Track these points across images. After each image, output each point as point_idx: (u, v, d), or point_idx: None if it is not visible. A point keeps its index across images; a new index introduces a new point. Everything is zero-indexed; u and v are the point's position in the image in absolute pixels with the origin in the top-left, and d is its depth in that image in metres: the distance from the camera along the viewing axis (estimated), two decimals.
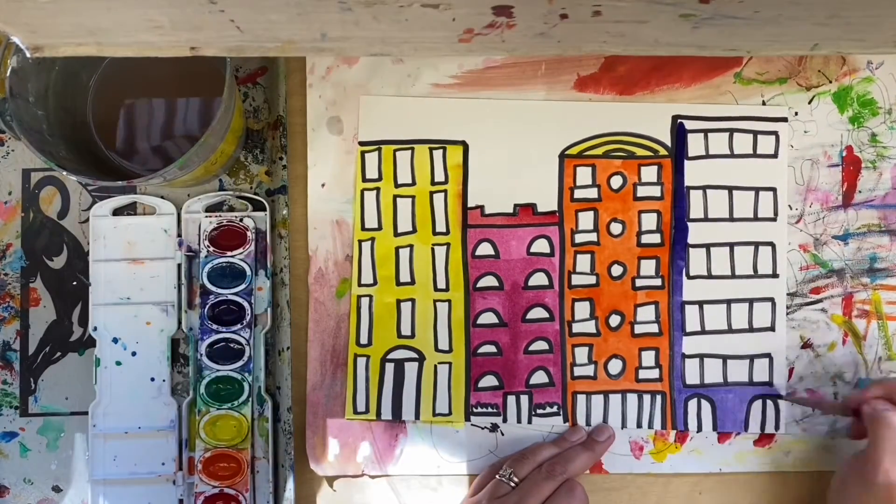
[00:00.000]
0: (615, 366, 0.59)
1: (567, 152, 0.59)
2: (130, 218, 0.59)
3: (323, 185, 0.60)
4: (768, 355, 0.59)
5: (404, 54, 0.40)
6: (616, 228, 0.59)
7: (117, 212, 0.59)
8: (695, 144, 0.59)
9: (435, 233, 0.59)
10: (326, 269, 0.60)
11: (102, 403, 0.58)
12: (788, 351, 0.59)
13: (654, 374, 0.59)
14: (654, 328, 0.59)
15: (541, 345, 0.59)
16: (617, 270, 0.59)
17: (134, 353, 0.58)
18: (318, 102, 0.60)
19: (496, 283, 0.59)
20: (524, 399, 0.59)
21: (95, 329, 0.58)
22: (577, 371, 0.59)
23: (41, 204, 0.60)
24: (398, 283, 0.59)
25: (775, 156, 0.59)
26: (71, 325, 0.59)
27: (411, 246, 0.59)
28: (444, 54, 0.40)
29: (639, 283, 0.59)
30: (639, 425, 0.59)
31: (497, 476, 0.55)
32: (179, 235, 0.59)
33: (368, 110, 0.60)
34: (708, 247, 0.59)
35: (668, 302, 0.59)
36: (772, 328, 0.59)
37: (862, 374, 0.59)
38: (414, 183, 0.60)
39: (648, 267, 0.59)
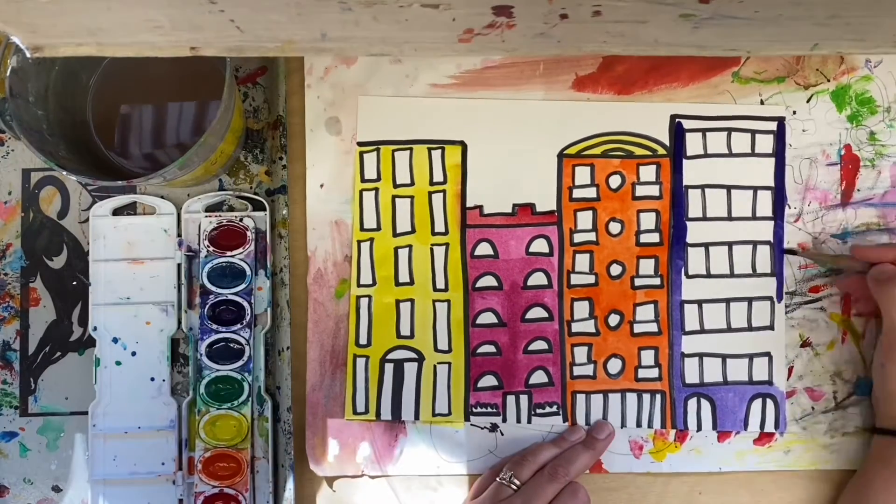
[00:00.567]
0: (614, 365, 0.59)
1: (565, 152, 0.60)
2: (130, 218, 0.59)
3: (321, 186, 0.60)
4: (768, 354, 0.59)
5: (404, 54, 0.40)
6: (615, 228, 0.59)
7: (117, 212, 0.59)
8: (693, 144, 0.59)
9: (434, 233, 0.60)
10: (325, 269, 0.60)
11: (102, 403, 0.58)
12: (788, 349, 0.59)
13: (654, 373, 0.59)
14: (653, 327, 0.59)
15: (540, 344, 0.59)
16: (616, 270, 0.59)
17: (134, 353, 0.58)
18: (317, 103, 0.60)
19: (495, 283, 0.59)
20: (524, 399, 0.59)
21: (95, 329, 0.58)
22: (577, 371, 0.59)
23: (41, 204, 0.60)
24: (397, 284, 0.59)
25: (773, 155, 0.59)
26: (71, 325, 0.59)
27: (410, 246, 0.60)
28: (445, 54, 0.40)
29: (638, 282, 0.59)
30: (638, 425, 0.59)
31: (498, 479, 0.55)
32: (179, 235, 0.59)
33: (367, 110, 0.60)
34: (707, 246, 0.59)
35: (667, 301, 0.59)
36: (771, 327, 0.59)
37: (861, 372, 0.59)
38: (412, 183, 0.60)
39: (647, 266, 0.59)
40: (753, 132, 0.59)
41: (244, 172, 0.60)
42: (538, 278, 0.59)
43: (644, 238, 0.59)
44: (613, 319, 0.59)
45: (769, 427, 0.58)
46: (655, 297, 0.59)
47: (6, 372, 0.59)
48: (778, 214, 0.59)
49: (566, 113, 0.60)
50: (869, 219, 0.59)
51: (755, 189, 0.59)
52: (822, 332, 0.59)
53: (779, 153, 0.59)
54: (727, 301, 0.59)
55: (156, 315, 0.58)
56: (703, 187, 0.59)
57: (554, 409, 0.59)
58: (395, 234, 0.60)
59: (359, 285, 0.59)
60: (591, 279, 0.59)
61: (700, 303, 0.59)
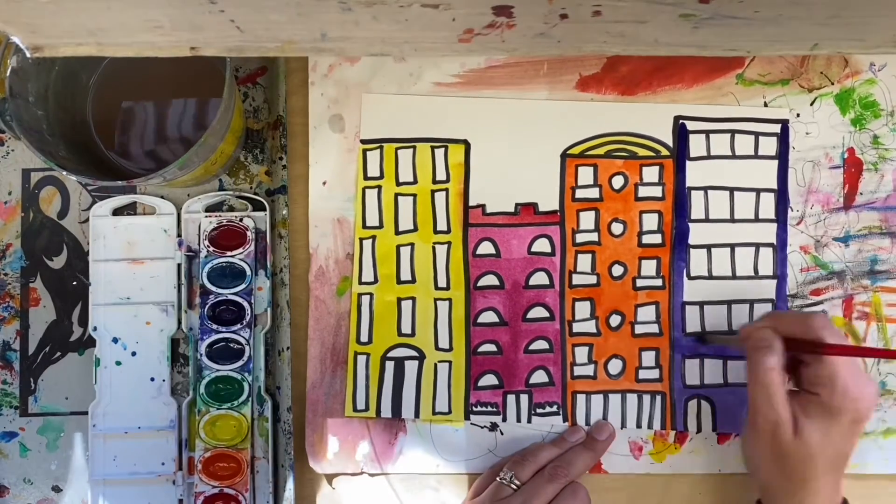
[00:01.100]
0: (615, 366, 0.59)
1: (569, 152, 0.59)
2: (130, 218, 0.59)
3: (324, 183, 0.60)
4: None
5: (404, 54, 0.40)
6: (617, 228, 0.59)
7: (117, 212, 0.59)
8: (696, 145, 0.59)
9: (436, 231, 0.59)
10: (327, 267, 0.60)
11: (102, 403, 0.58)
12: None
13: (654, 374, 0.59)
14: (654, 328, 0.59)
15: (541, 344, 0.59)
16: (618, 270, 0.59)
17: (134, 353, 0.58)
18: (320, 100, 0.60)
19: (497, 283, 0.59)
20: (524, 398, 0.59)
21: (95, 329, 0.58)
22: (577, 371, 0.59)
23: (41, 204, 0.60)
24: (399, 282, 0.59)
25: (776, 157, 0.59)
26: (71, 325, 0.59)
27: (412, 244, 0.59)
28: (445, 54, 0.40)
29: (639, 283, 0.59)
30: (638, 425, 0.59)
31: (498, 479, 0.55)
32: (179, 235, 0.59)
33: (370, 108, 0.60)
34: (709, 247, 0.59)
35: (668, 302, 0.59)
36: None
37: None
38: (415, 181, 0.60)
39: (649, 267, 0.59)
40: (757, 134, 0.59)
41: (244, 172, 0.60)
42: (540, 278, 0.59)
43: (646, 239, 0.59)
44: (615, 320, 0.59)
45: None
46: (657, 298, 0.59)
47: (6, 372, 0.59)
48: (780, 217, 0.59)
49: (570, 113, 0.59)
50: (871, 222, 0.59)
51: (758, 191, 0.59)
52: None
53: (782, 156, 0.59)
54: (729, 303, 0.59)
55: (156, 315, 0.58)
56: (705, 189, 0.59)
57: (554, 408, 0.59)
58: (397, 233, 0.59)
59: (360, 283, 0.59)
60: (592, 279, 0.59)
61: (701, 304, 0.59)
